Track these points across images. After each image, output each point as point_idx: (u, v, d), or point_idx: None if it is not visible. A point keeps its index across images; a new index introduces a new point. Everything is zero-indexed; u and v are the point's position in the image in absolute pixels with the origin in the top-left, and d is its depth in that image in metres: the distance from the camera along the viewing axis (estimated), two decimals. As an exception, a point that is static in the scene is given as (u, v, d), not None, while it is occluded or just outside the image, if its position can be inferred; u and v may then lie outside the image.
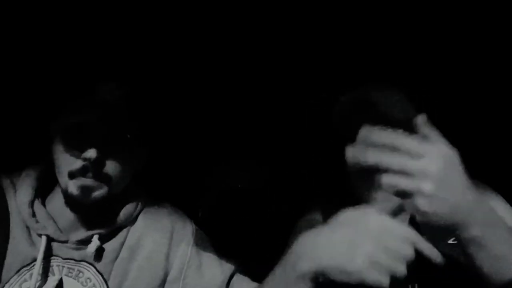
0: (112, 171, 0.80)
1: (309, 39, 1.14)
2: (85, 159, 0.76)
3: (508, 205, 0.85)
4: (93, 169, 0.77)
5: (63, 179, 0.78)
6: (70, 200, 0.80)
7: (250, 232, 1.43)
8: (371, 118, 0.87)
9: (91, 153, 0.75)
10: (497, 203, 0.84)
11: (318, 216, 0.98)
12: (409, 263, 0.57)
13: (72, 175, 0.77)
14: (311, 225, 0.96)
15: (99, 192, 0.79)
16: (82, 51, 1.07)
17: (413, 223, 0.86)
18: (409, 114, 0.92)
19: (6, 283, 0.75)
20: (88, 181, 0.77)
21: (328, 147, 1.00)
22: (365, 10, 1.07)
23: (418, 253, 0.82)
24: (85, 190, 0.77)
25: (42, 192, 0.85)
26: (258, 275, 0.91)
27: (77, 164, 0.77)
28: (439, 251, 0.80)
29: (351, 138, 0.87)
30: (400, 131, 0.87)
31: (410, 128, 0.89)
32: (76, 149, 0.78)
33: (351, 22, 1.08)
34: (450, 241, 0.81)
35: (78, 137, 0.78)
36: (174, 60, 1.18)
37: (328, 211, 0.97)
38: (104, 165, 0.79)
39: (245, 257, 0.98)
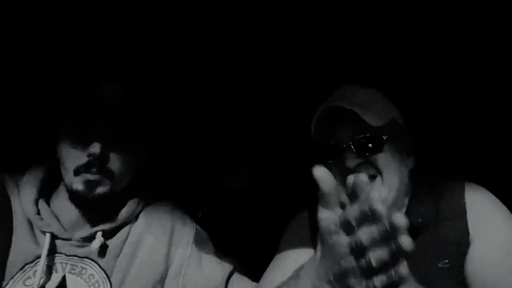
0: (115, 167, 0.82)
1: (310, 38, 1.15)
2: (89, 155, 0.78)
3: (502, 206, 0.80)
4: (97, 164, 0.79)
5: (69, 175, 0.80)
6: (74, 196, 0.81)
7: (250, 232, 1.43)
8: (352, 127, 0.82)
9: (96, 148, 0.77)
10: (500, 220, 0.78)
11: (305, 218, 0.98)
12: None
13: (77, 171, 0.79)
14: (300, 225, 0.97)
15: (103, 188, 0.80)
16: (85, 52, 1.08)
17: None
18: (385, 119, 0.85)
19: (10, 279, 0.76)
20: (92, 176, 0.79)
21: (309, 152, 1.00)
22: (364, 12, 1.08)
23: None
24: (90, 185, 0.79)
25: (46, 191, 0.86)
26: (258, 275, 0.91)
27: (82, 159, 0.79)
28: (429, 274, 0.75)
29: (329, 145, 0.84)
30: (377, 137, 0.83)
31: (385, 132, 0.84)
32: (81, 145, 0.79)
33: (352, 23, 1.09)
34: (440, 265, 0.77)
35: (82, 134, 0.80)
36: (176, 60, 1.18)
37: (315, 210, 0.96)
38: (108, 160, 0.81)
39: (245, 257, 0.99)
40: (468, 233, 0.76)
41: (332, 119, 0.84)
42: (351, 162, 0.81)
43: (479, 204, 0.79)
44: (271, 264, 0.90)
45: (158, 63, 1.16)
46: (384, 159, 0.81)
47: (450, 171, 0.97)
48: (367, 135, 0.81)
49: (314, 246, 0.89)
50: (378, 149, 0.81)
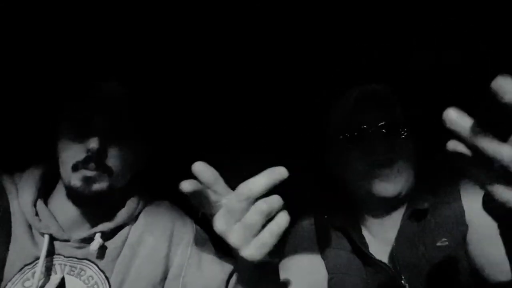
0: (113, 164, 0.82)
1: (310, 38, 1.14)
2: (88, 150, 0.77)
3: None
4: (95, 159, 0.78)
5: (66, 172, 0.79)
6: (72, 194, 0.81)
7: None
8: (383, 111, 0.89)
9: (94, 143, 0.77)
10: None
11: (310, 221, 0.99)
12: None
13: (75, 167, 0.78)
14: (305, 230, 0.97)
15: (101, 184, 0.80)
16: (85, 51, 1.08)
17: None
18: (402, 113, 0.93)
19: (8, 281, 0.76)
20: (90, 173, 0.78)
21: (322, 148, 1.01)
22: (365, 12, 1.08)
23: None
24: (87, 182, 0.78)
25: (45, 191, 0.86)
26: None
27: (80, 155, 0.78)
28: (429, 254, 0.81)
29: (359, 130, 0.89)
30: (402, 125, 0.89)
31: (406, 125, 0.91)
32: (79, 141, 0.79)
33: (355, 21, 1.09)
34: (439, 243, 0.82)
35: (81, 130, 0.80)
36: (177, 61, 1.18)
37: (320, 218, 0.98)
38: (106, 156, 0.81)
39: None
40: (463, 213, 0.82)
41: (362, 105, 0.91)
42: (377, 145, 0.86)
43: (472, 189, 0.85)
44: (282, 270, 0.90)
45: (159, 63, 1.16)
46: (401, 147, 0.87)
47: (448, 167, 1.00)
48: (393, 119, 0.88)
49: (320, 251, 0.92)
50: (402, 133, 0.88)
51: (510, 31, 1.06)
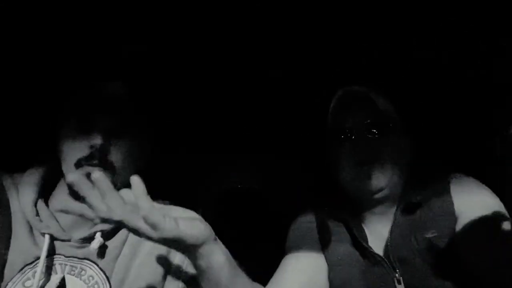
0: (116, 160, 0.82)
1: (310, 38, 1.15)
2: (91, 146, 0.78)
3: (494, 196, 0.86)
4: (99, 155, 0.79)
5: (69, 168, 0.80)
6: (74, 191, 0.80)
7: (249, 232, 1.43)
8: (366, 111, 0.92)
9: (98, 139, 0.78)
10: (484, 195, 0.86)
11: (311, 218, 0.99)
12: None
13: (78, 164, 0.79)
14: (305, 226, 0.98)
15: None
16: (88, 49, 1.08)
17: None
18: (394, 113, 0.96)
19: (9, 281, 0.75)
20: (93, 169, 0.78)
21: (321, 147, 1.03)
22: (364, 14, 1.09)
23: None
24: (90, 178, 0.78)
25: (45, 191, 0.86)
26: (258, 275, 0.91)
27: (84, 152, 0.79)
28: (420, 246, 0.83)
29: (345, 130, 0.92)
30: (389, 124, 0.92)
31: (396, 125, 0.93)
32: (82, 138, 0.80)
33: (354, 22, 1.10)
34: (429, 235, 0.84)
35: (84, 128, 0.81)
36: (179, 59, 1.18)
37: (321, 212, 0.99)
38: (109, 153, 0.81)
39: (245, 257, 0.99)
40: (452, 204, 0.85)
41: (346, 106, 0.95)
42: (360, 144, 0.90)
43: (462, 183, 0.89)
44: (284, 267, 0.91)
45: (162, 63, 1.17)
46: (386, 146, 0.90)
47: (440, 164, 1.02)
48: (375, 120, 0.91)
49: (321, 245, 0.93)
50: (385, 132, 0.91)
51: (510, 31, 1.06)
